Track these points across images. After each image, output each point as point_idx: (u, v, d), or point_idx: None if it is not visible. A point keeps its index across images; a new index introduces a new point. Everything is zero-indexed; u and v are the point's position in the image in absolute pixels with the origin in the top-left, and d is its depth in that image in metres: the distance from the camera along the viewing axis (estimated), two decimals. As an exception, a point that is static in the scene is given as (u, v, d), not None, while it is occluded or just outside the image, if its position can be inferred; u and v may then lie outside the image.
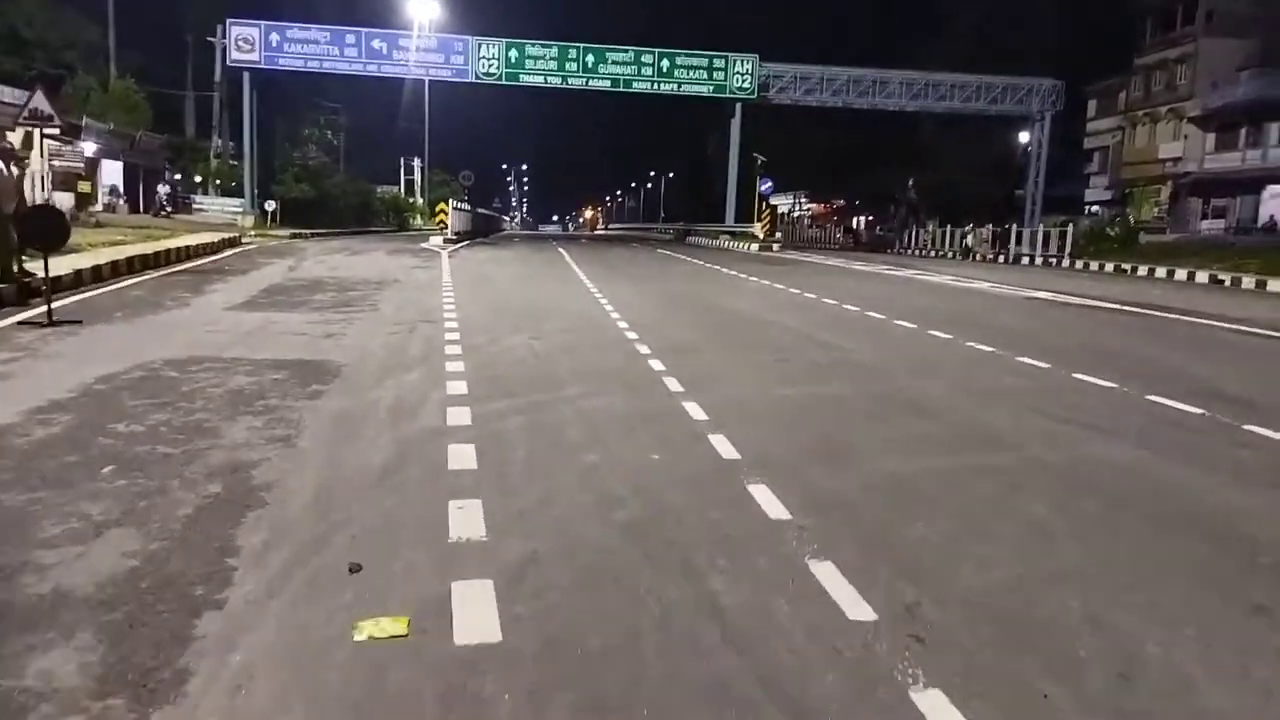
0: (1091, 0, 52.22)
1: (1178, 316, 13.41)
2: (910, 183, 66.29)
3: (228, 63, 39.74)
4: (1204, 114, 44.05)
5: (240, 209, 37.85)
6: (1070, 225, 36.39)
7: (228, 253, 22.10)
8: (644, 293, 15.13)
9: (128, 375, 6.61)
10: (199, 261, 18.57)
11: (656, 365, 7.67)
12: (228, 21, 39.42)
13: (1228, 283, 24.45)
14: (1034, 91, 44.20)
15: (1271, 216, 39.81)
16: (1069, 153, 52.09)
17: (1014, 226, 36.14)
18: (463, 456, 4.72)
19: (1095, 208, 51.36)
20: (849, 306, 13.12)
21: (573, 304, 12.77)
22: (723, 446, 5.04)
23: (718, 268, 22.93)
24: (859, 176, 67.15)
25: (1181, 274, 26.79)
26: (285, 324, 9.66)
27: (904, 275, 22.04)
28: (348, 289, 13.77)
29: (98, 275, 13.57)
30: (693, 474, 4.56)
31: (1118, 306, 14.64)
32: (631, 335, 9.49)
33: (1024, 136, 51.24)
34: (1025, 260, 34.49)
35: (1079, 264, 32.65)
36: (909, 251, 43.75)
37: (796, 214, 70.33)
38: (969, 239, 36.05)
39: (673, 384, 6.85)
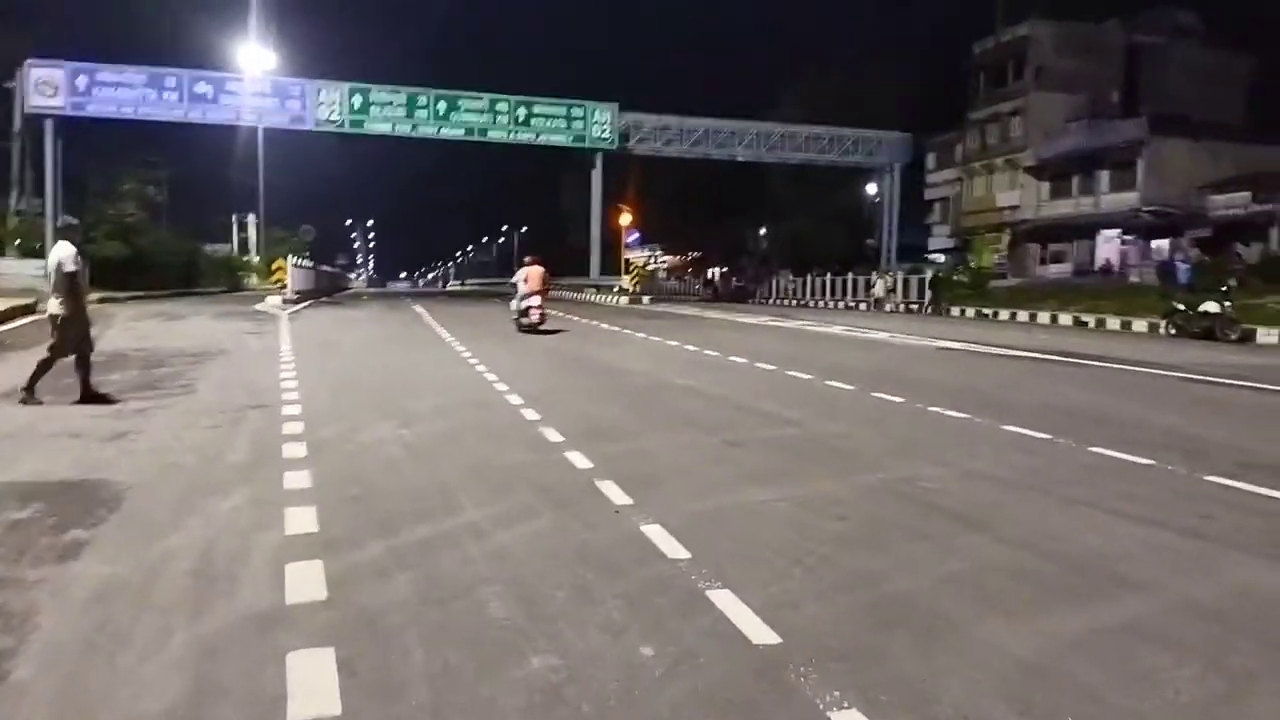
0: (925, 59, 54.77)
1: (1109, 365, 12.61)
2: (761, 233, 67.33)
3: (26, 109, 35.25)
4: (1038, 164, 46.30)
5: (42, 272, 33.26)
6: (929, 274, 37.00)
7: (19, 321, 18.60)
8: (525, 354, 13.17)
9: None
10: (-25, 334, 15.26)
11: (578, 459, 5.77)
12: (26, 63, 35.03)
13: (1091, 324, 24.86)
14: (883, 143, 45.41)
15: (1107, 260, 41.88)
16: (910, 204, 53.92)
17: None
18: (315, 685, 2.68)
19: (939, 255, 53.19)
20: (764, 365, 11.60)
21: (445, 373, 10.68)
22: (740, 616, 3.20)
23: (595, 323, 21.21)
24: (710, 228, 67.53)
25: (1044, 317, 27.19)
26: (61, 420, 7.16)
27: (793, 327, 20.99)
28: (157, 364, 11.15)
29: None
30: (728, 691, 2.68)
31: (1037, 355, 13.81)
32: (530, 414, 7.54)
33: (871, 188, 52.70)
34: (889, 308, 34.67)
35: (948, 310, 32.99)
36: (769, 302, 43.65)
37: (651, 266, 70.00)
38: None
39: (611, 490, 4.96)
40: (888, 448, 6.37)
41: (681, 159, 45.48)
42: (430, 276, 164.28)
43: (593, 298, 39.56)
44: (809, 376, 10.39)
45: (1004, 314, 29.04)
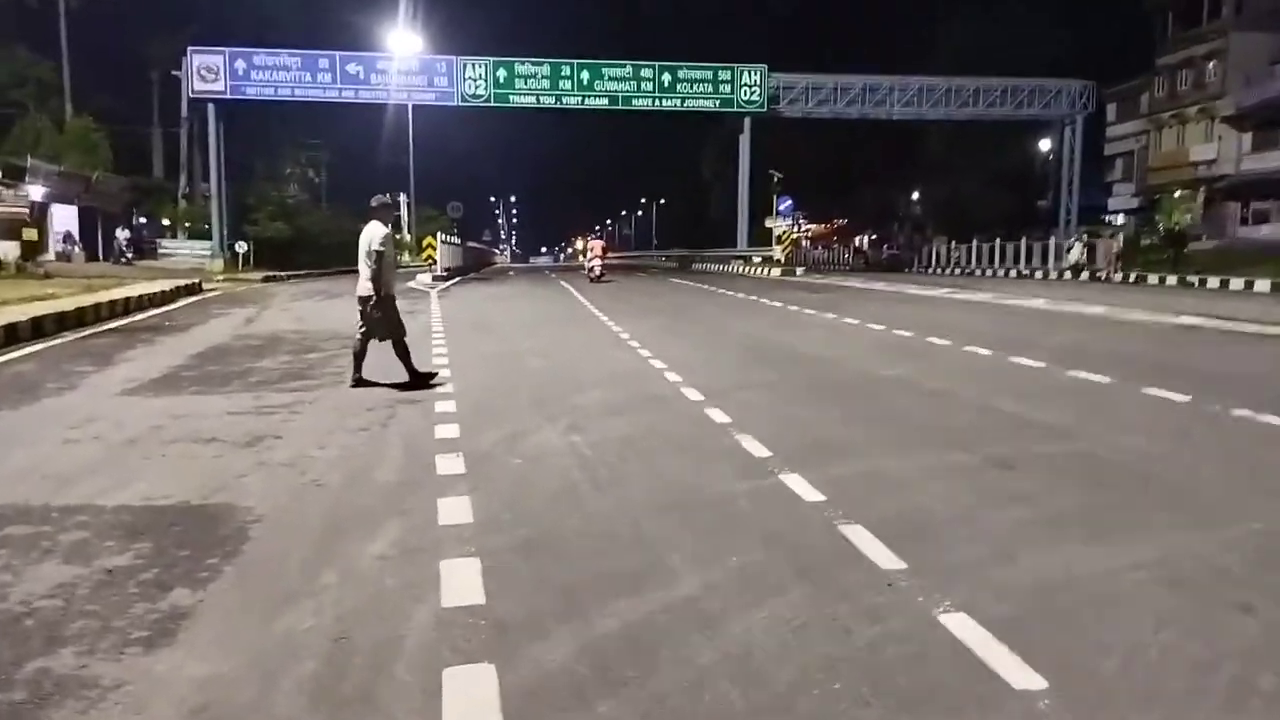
0: (1101, 2, 49.80)
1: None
2: (914, 197, 63.43)
3: (190, 94, 36.64)
4: (1239, 112, 41.14)
5: (209, 252, 34.60)
6: (1121, 236, 33.38)
7: (182, 302, 18.90)
8: (691, 337, 11.91)
9: None
10: (141, 316, 15.34)
11: (802, 488, 4.43)
12: (189, 50, 36.30)
13: (1332, 293, 21.48)
14: (1063, 93, 41.29)
15: (1325, 218, 36.87)
16: (1087, 160, 49.27)
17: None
18: None
19: (1120, 217, 48.48)
20: (975, 349, 9.88)
21: (607, 359, 9.54)
22: None
23: (754, 298, 19.72)
24: (856, 193, 64.20)
25: (1262, 284, 23.81)
26: (197, 418, 6.40)
27: (982, 300, 18.82)
28: (310, 349, 10.55)
29: (-19, 344, 10.39)
30: None
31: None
32: (718, 415, 6.26)
33: (1044, 144, 48.40)
34: (1068, 275, 31.45)
35: (1133, 277, 29.60)
36: (928, 271, 40.85)
37: (796, 235, 67.31)
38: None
39: (869, 545, 3.60)
40: (1228, 476, 4.70)
41: (831, 120, 42.85)
42: (570, 251, 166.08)
43: (741, 269, 37.97)
44: (1040, 364, 8.63)
45: (1212, 281, 25.67)
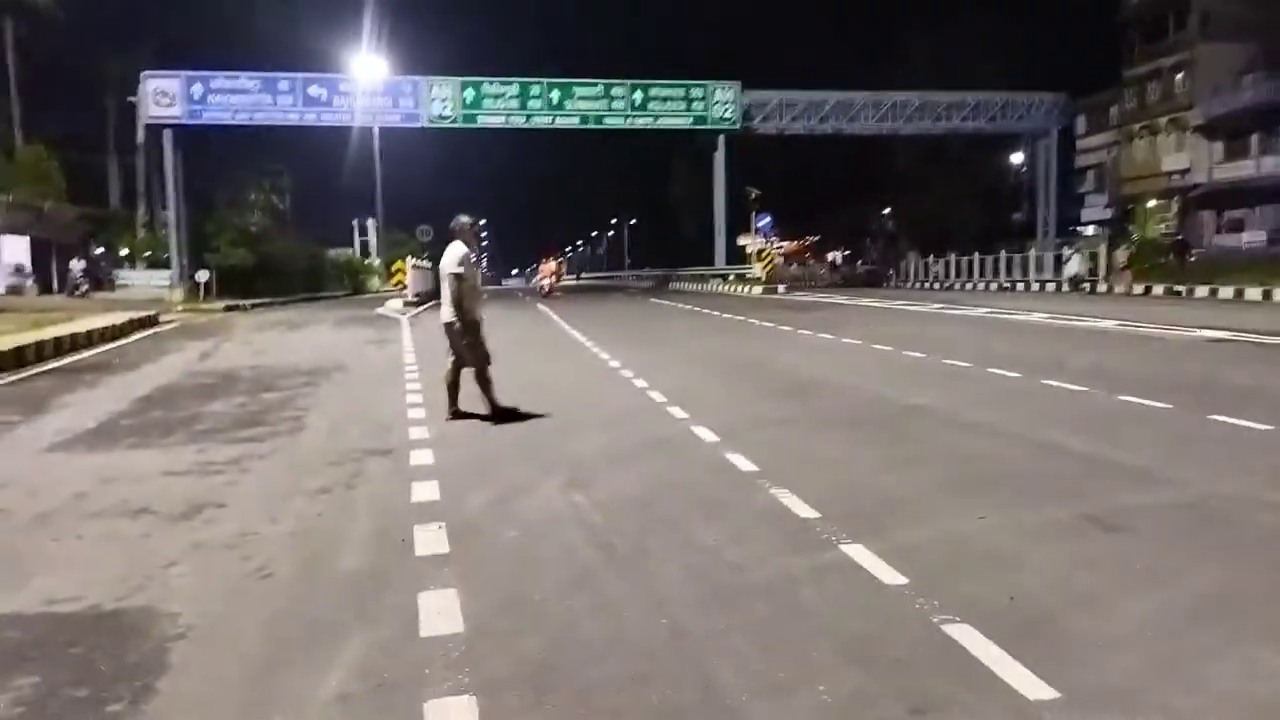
0: (1066, 15, 49.94)
1: None
2: (887, 213, 63.25)
3: (146, 120, 35.39)
4: (1209, 123, 41.25)
5: (168, 282, 33.29)
6: (1119, 246, 32.74)
7: (136, 336, 17.71)
8: (688, 364, 11.03)
9: None
10: (88, 353, 14.17)
11: (872, 564, 3.56)
12: (143, 74, 35.10)
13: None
14: (1035, 106, 41.23)
15: (1301, 225, 36.92)
16: (1059, 172, 49.24)
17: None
18: None
19: (1091, 228, 48.43)
20: (998, 371, 9.08)
21: (602, 394, 8.64)
22: None
23: (742, 318, 18.91)
24: (828, 209, 63.96)
25: (1253, 293, 23.38)
26: (129, 481, 5.42)
27: (981, 315, 18.11)
28: (267, 387, 9.54)
29: (-110, 392, 9.30)
30: None
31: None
32: (742, 462, 5.38)
33: (1016, 157, 48.31)
34: (1059, 287, 30.95)
35: (1137, 289, 28.90)
36: (907, 285, 40.39)
37: (774, 252, 66.59)
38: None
39: (1001, 665, 2.72)
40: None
41: (805, 136, 42.40)
42: (539, 272, 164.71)
43: (719, 288, 37.25)
44: (1080, 388, 7.83)
45: (1200, 290, 25.24)
